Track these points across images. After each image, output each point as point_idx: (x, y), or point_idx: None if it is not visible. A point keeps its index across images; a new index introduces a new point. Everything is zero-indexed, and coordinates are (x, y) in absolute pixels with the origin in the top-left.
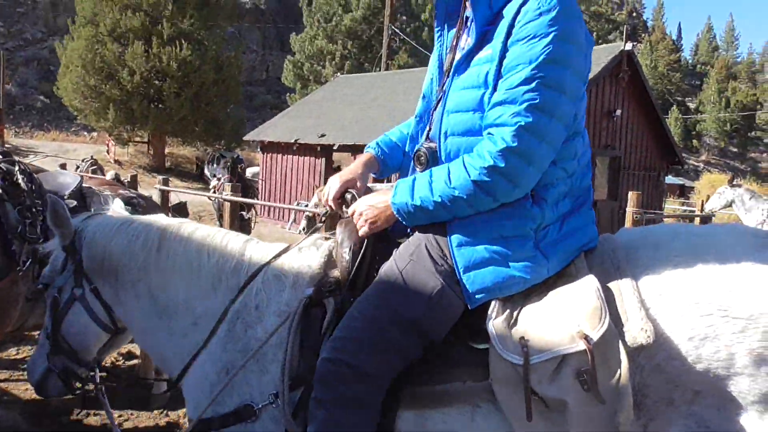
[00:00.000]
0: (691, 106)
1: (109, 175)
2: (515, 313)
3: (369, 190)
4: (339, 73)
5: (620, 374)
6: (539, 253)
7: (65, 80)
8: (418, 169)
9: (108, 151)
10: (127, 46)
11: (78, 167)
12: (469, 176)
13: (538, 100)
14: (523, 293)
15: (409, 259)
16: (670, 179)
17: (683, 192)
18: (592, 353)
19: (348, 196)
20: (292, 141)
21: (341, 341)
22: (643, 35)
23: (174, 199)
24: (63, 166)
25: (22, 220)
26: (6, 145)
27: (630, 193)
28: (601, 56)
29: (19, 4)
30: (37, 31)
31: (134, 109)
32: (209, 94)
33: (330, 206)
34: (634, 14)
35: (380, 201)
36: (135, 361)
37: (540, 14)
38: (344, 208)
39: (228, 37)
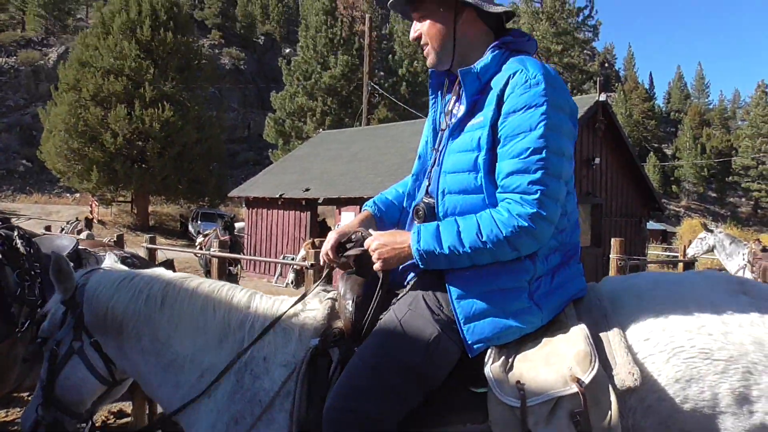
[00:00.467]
0: (668, 152)
1: (84, 235)
2: (510, 359)
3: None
4: (320, 129)
5: (611, 415)
6: (533, 304)
7: (48, 144)
8: (416, 223)
9: (91, 212)
10: (110, 109)
11: (62, 229)
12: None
13: (550, 168)
14: (518, 340)
15: (408, 309)
16: (652, 225)
17: (665, 237)
18: (584, 395)
19: (354, 237)
20: (277, 196)
21: (344, 389)
22: (616, 85)
23: (161, 256)
24: (48, 229)
25: (20, 283)
26: (19, 226)
27: (613, 240)
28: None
29: (1, 73)
30: (19, 98)
31: (117, 170)
32: (192, 153)
33: (327, 257)
34: (606, 65)
35: (397, 241)
36: (126, 419)
37: (530, 86)
38: (340, 259)
39: (209, 98)
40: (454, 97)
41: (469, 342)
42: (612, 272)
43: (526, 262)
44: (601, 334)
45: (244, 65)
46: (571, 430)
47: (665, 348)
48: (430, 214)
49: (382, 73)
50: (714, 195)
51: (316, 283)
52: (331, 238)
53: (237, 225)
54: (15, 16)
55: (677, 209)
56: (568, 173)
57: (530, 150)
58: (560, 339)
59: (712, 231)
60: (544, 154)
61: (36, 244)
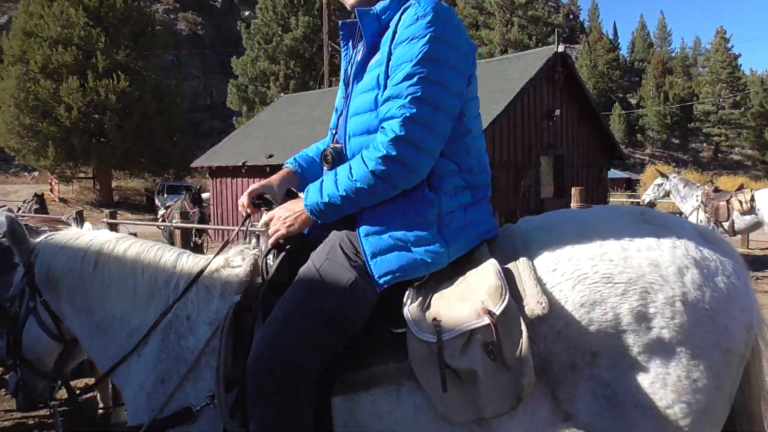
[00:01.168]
0: (633, 101)
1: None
2: (428, 299)
3: (286, 200)
4: (283, 93)
5: (522, 343)
6: (441, 238)
7: None
8: (325, 168)
9: (51, 190)
10: (61, 82)
11: (19, 208)
12: (368, 167)
13: (419, 93)
14: (434, 280)
15: (326, 258)
16: (616, 173)
17: (630, 185)
18: (496, 326)
19: (265, 195)
20: (240, 164)
21: (266, 340)
22: (581, 36)
23: (124, 231)
24: (8, 209)
25: None
26: None
27: (573, 189)
28: (536, 60)
29: None
30: None
31: (75, 145)
32: (152, 124)
33: (245, 209)
34: (571, 16)
35: (296, 206)
36: (90, 395)
37: (417, 19)
38: (260, 211)
39: (167, 66)
40: (359, 40)
41: (376, 276)
42: None
43: (429, 194)
44: (512, 268)
45: (201, 30)
46: (484, 359)
47: (571, 276)
48: (339, 159)
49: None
50: (677, 142)
51: (230, 238)
52: (246, 193)
53: (204, 195)
54: None
55: (642, 157)
56: (450, 105)
57: (404, 76)
58: (473, 275)
59: (667, 177)
60: (415, 80)
61: None
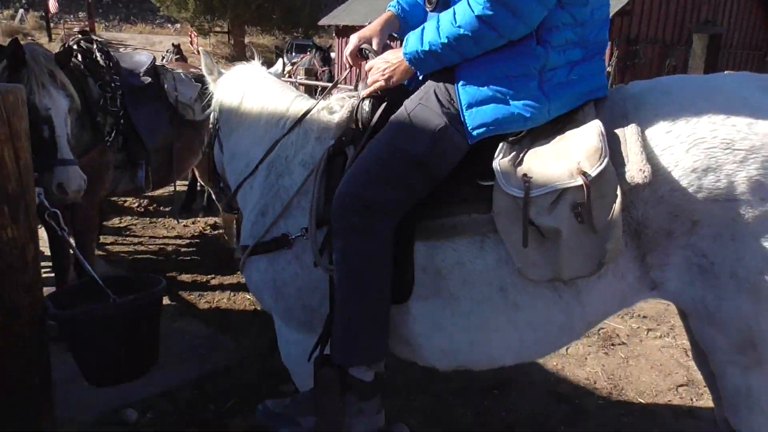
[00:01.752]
0: None
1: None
2: (521, 155)
3: (388, 47)
4: None
5: (614, 209)
6: (541, 94)
7: None
8: (428, 8)
9: (191, 42)
10: None
11: (163, 57)
12: (473, 12)
13: None
14: (531, 137)
15: (418, 102)
16: None
17: None
18: (589, 188)
19: (365, 49)
20: (367, 23)
21: (353, 176)
22: None
23: None
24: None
25: (102, 95)
26: (98, 39)
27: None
28: None
29: None
30: None
31: None
32: None
33: (348, 61)
34: None
35: (395, 56)
36: (219, 231)
37: None
38: (361, 62)
39: None
40: None
41: (469, 128)
42: None
43: (537, 48)
44: (618, 132)
45: None
46: (571, 220)
47: (686, 139)
48: (443, 1)
49: None
50: None
51: (333, 85)
52: (351, 42)
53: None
54: None
55: None
56: None
57: None
58: (573, 134)
59: None
60: None
61: (115, 58)
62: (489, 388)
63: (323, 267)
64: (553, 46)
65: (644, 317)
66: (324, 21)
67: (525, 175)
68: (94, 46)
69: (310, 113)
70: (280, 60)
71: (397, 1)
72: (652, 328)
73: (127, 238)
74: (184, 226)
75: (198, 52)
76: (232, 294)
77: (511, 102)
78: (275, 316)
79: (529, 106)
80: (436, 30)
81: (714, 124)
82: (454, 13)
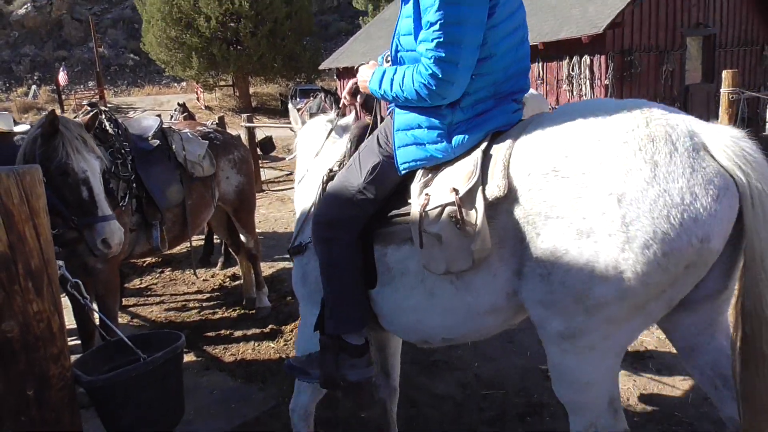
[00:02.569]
0: None
1: (180, 117)
2: (430, 179)
3: None
4: None
5: (478, 217)
6: (448, 143)
7: (149, 35)
8: (386, 65)
9: (198, 98)
10: None
11: (171, 116)
12: (413, 86)
13: (445, 38)
14: (438, 166)
15: (366, 145)
16: None
17: None
18: (460, 202)
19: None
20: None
21: (321, 203)
22: None
23: (260, 134)
24: (158, 117)
25: (113, 161)
26: (108, 104)
27: (724, 73)
28: None
29: None
30: None
31: (215, 54)
32: (283, 29)
33: (346, 99)
34: None
35: (365, 76)
36: (239, 282)
37: None
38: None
39: None
40: None
41: (399, 163)
42: (723, 107)
43: (445, 110)
44: (493, 153)
45: None
46: (450, 227)
47: (531, 164)
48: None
49: None
50: None
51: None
52: (350, 83)
53: None
54: None
55: None
56: (474, 37)
57: (430, 23)
58: (462, 161)
59: None
60: (438, 27)
61: (124, 125)
62: (522, 415)
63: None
64: (461, 107)
65: None
66: (325, 65)
67: (426, 194)
68: (103, 117)
69: (324, 147)
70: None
71: (382, 56)
72: None
73: (149, 298)
74: (204, 280)
75: (205, 107)
76: (256, 344)
77: (426, 146)
78: (302, 300)
79: (439, 150)
80: (390, 82)
81: (549, 152)
82: (403, 78)
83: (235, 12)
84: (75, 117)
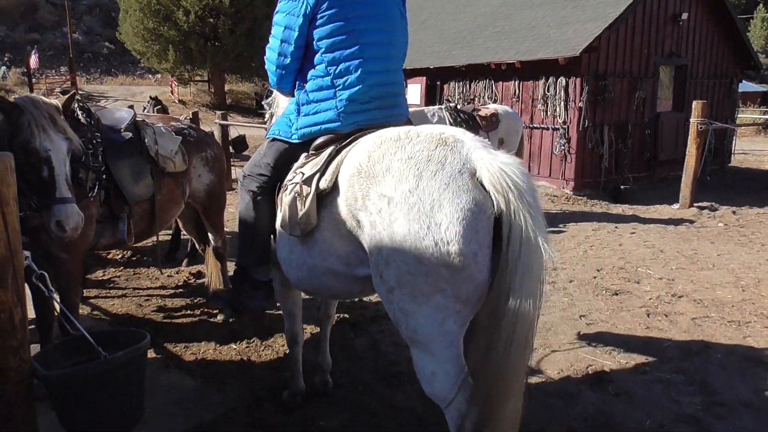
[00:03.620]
0: None
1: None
2: (303, 162)
3: None
4: None
5: (308, 201)
6: (297, 119)
7: (126, 25)
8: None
9: (172, 92)
10: None
11: (144, 108)
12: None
13: (269, 44)
14: (310, 154)
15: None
16: (750, 86)
17: (766, 100)
18: (300, 185)
19: None
20: None
21: (247, 166)
22: None
23: (233, 132)
24: (131, 108)
25: (84, 152)
26: (79, 92)
27: (694, 103)
28: None
29: None
30: None
31: (192, 49)
32: (262, 29)
33: None
34: None
35: None
36: (203, 280)
37: None
38: None
39: None
40: None
41: (269, 133)
42: (692, 136)
43: (299, 91)
44: (338, 156)
45: None
46: (292, 201)
47: (349, 167)
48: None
49: None
50: None
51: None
52: None
53: None
54: None
55: None
56: (286, 46)
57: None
58: (320, 155)
59: None
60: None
61: (97, 115)
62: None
63: None
64: (306, 90)
65: (631, 352)
66: None
67: (294, 172)
68: (75, 105)
69: None
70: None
71: None
72: (641, 362)
73: (111, 291)
74: (168, 276)
75: (178, 101)
76: (217, 345)
77: (287, 123)
78: None
79: (291, 127)
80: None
81: (361, 159)
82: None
83: (214, 8)
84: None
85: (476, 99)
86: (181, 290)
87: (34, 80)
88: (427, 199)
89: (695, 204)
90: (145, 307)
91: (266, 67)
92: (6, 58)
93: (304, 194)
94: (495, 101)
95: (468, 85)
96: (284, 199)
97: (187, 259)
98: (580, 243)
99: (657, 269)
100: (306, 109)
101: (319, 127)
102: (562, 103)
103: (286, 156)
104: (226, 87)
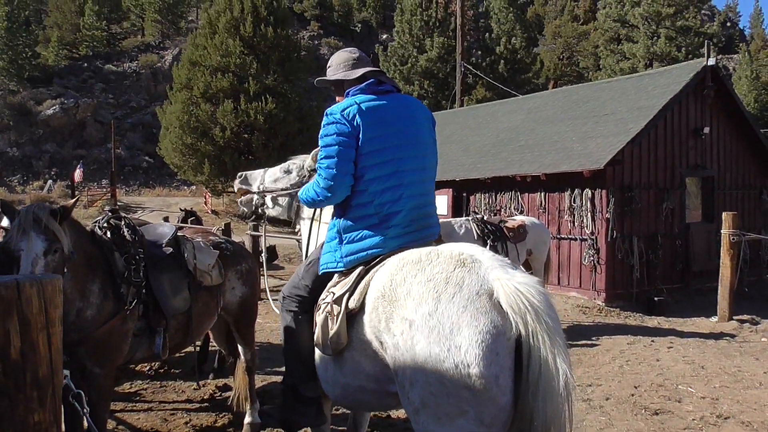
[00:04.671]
0: None
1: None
2: (336, 281)
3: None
4: None
5: (339, 320)
6: (339, 247)
7: (166, 141)
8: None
9: (205, 203)
10: (218, 105)
11: (179, 219)
12: (311, 186)
13: (324, 164)
14: (340, 273)
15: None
16: None
17: None
18: (331, 305)
19: None
20: None
21: (289, 283)
22: (740, 46)
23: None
24: (166, 219)
25: (127, 267)
26: (118, 203)
27: (724, 215)
28: (681, 75)
29: (125, 77)
30: (140, 99)
31: (227, 162)
32: (294, 143)
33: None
34: (728, 24)
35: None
36: (229, 393)
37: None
38: None
39: (309, 88)
40: None
41: (320, 268)
42: (724, 248)
43: (335, 220)
44: (366, 277)
45: None
46: (324, 320)
47: (374, 290)
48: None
49: (479, 52)
50: None
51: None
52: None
53: None
54: (136, 24)
55: None
56: (346, 167)
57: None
58: (351, 274)
59: None
60: (323, 157)
61: (141, 231)
62: None
63: None
64: (343, 217)
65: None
66: None
67: (327, 291)
68: (122, 222)
69: None
70: None
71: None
72: None
73: (137, 404)
74: (194, 389)
75: (211, 212)
76: None
77: (329, 251)
78: None
79: (335, 255)
80: (305, 191)
81: (384, 283)
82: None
83: (250, 124)
84: (97, 218)
85: (502, 210)
86: (206, 404)
87: (77, 192)
88: (446, 322)
89: (734, 317)
90: (170, 421)
91: (323, 185)
92: (53, 173)
93: (335, 313)
94: (521, 212)
95: (494, 197)
96: (317, 319)
97: (212, 373)
98: (615, 357)
99: (699, 387)
100: (350, 236)
101: (365, 253)
102: (589, 214)
103: (323, 278)
104: None
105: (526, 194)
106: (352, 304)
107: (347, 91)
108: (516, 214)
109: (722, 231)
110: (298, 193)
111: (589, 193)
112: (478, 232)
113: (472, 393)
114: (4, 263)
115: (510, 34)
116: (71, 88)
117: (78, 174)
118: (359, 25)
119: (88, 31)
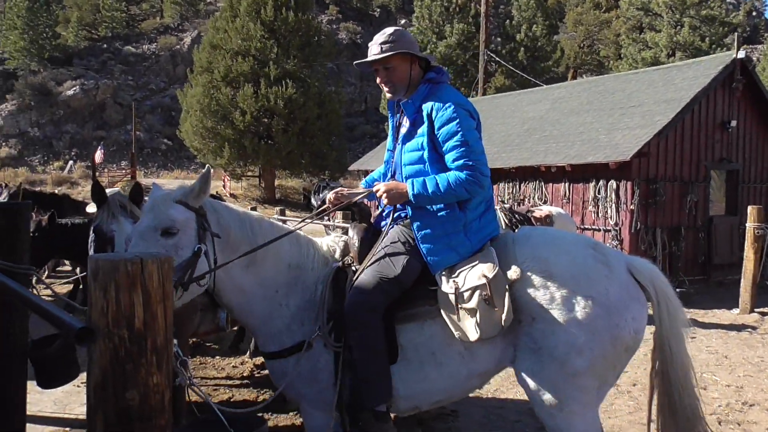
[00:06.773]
0: None
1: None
2: (453, 270)
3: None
4: None
5: (505, 294)
6: (467, 240)
7: (186, 124)
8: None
9: (224, 186)
10: (239, 89)
11: None
12: (461, 183)
13: (472, 152)
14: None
15: (390, 244)
16: None
17: None
18: (490, 284)
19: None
20: None
21: (357, 290)
22: (765, 35)
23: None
24: None
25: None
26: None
27: (750, 208)
28: (710, 67)
29: (144, 59)
30: (159, 81)
31: (246, 146)
32: (313, 128)
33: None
34: (754, 13)
35: (399, 187)
36: (266, 372)
37: (445, 109)
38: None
39: (328, 73)
40: (402, 115)
41: (432, 266)
42: (749, 242)
43: (459, 213)
44: (504, 253)
45: (360, 39)
46: (482, 304)
47: (532, 267)
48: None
49: (498, 39)
50: None
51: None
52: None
53: None
54: (154, 5)
55: None
56: (482, 146)
57: (458, 143)
58: (480, 258)
59: None
60: (464, 149)
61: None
62: None
63: (331, 345)
64: (469, 209)
65: None
66: (354, 166)
67: (455, 281)
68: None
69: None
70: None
71: (366, 181)
72: None
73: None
74: (233, 366)
75: (230, 195)
76: None
77: (452, 247)
78: (307, 403)
79: (460, 249)
80: (435, 184)
81: (540, 260)
82: (448, 180)
83: (269, 109)
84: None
85: (526, 199)
86: (246, 381)
87: (97, 173)
88: (615, 297)
89: (756, 309)
90: (214, 396)
91: (474, 178)
92: (73, 153)
93: (499, 293)
94: (545, 202)
95: (518, 186)
96: (466, 306)
97: (251, 350)
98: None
99: (723, 376)
100: (476, 225)
101: (488, 237)
102: (614, 205)
103: (416, 273)
104: (276, 182)
105: (551, 184)
106: (513, 275)
107: (428, 75)
108: (540, 204)
109: (747, 224)
110: (415, 190)
111: (614, 184)
112: (506, 221)
113: (629, 354)
114: (98, 243)
115: (531, 21)
116: (91, 69)
117: (99, 155)
118: (378, 10)
119: (107, 12)
